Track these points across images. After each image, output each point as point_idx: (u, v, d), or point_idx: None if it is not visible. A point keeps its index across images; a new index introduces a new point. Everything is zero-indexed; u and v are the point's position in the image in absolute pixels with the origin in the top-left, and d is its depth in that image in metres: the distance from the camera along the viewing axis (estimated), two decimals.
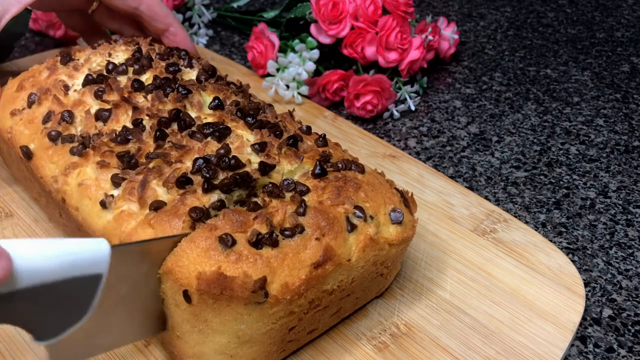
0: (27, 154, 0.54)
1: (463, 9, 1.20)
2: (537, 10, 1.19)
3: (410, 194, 0.51)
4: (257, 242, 0.42)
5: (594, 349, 0.52)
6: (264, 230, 0.43)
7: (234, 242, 0.41)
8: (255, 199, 0.46)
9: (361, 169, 0.51)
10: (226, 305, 0.41)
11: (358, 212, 0.46)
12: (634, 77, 0.95)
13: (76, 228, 0.52)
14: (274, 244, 0.42)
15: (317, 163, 0.49)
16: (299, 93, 0.82)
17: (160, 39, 0.72)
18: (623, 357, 0.51)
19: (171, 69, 0.58)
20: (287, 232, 0.43)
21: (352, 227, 0.45)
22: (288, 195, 0.46)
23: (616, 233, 0.64)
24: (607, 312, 0.55)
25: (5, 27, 0.62)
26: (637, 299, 0.57)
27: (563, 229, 0.61)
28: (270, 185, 0.47)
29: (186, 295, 0.41)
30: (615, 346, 0.52)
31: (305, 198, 0.46)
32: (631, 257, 0.61)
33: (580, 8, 1.20)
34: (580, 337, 0.53)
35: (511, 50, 1.04)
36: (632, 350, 0.52)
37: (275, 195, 0.46)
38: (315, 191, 0.47)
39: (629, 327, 0.54)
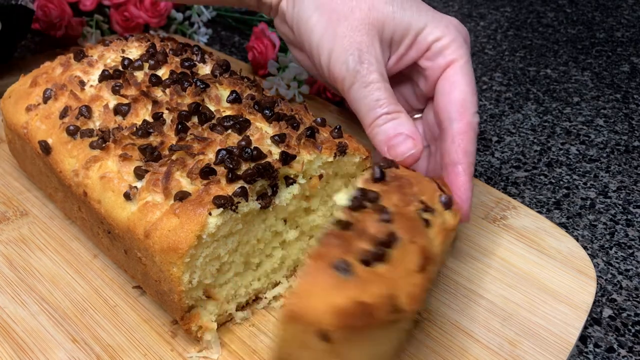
0: (46, 148, 0.54)
1: (463, 9, 1.22)
2: (537, 10, 1.21)
3: (440, 178, 0.51)
4: (368, 260, 0.39)
5: (594, 349, 0.52)
6: (365, 246, 0.40)
7: (349, 267, 0.38)
8: (341, 217, 0.43)
9: (396, 165, 0.50)
10: (365, 332, 0.39)
11: (424, 207, 0.45)
12: (634, 77, 0.97)
13: (97, 221, 0.52)
14: (383, 258, 0.40)
15: (377, 167, 0.47)
16: (299, 92, 0.83)
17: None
18: (623, 357, 0.52)
19: (186, 64, 0.59)
20: (386, 243, 0.41)
21: (427, 223, 0.44)
22: (369, 205, 0.44)
23: (616, 233, 0.65)
24: (607, 312, 0.56)
25: (9, 26, 0.61)
26: (637, 299, 0.57)
27: (563, 229, 0.62)
28: (353, 199, 0.44)
29: (323, 335, 0.37)
30: (615, 346, 0.53)
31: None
32: (631, 257, 0.62)
33: (580, 8, 1.22)
34: (581, 337, 0.53)
35: (511, 50, 1.06)
36: (632, 350, 0.52)
37: (357, 208, 0.43)
38: (384, 195, 0.45)
39: (629, 327, 0.54)
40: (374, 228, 0.41)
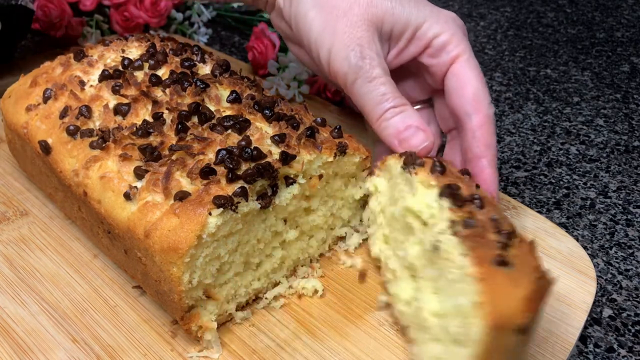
0: (46, 148, 0.54)
1: (463, 9, 1.22)
2: (537, 10, 1.21)
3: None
4: (506, 247, 0.41)
5: (594, 349, 0.52)
6: (493, 236, 0.41)
7: (506, 259, 0.40)
8: (453, 217, 0.43)
9: (418, 155, 0.51)
10: (540, 311, 0.40)
11: (476, 185, 0.47)
12: (634, 77, 0.97)
13: (97, 221, 0.52)
14: (511, 240, 0.41)
15: (436, 161, 0.47)
16: (299, 92, 0.83)
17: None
18: (623, 357, 0.52)
19: (186, 63, 0.59)
20: (499, 227, 0.42)
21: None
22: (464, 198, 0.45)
23: (616, 233, 0.65)
24: (607, 312, 0.56)
25: (9, 26, 0.61)
26: (637, 299, 0.57)
27: (563, 229, 0.62)
28: (454, 198, 0.44)
29: (521, 329, 0.39)
30: (615, 346, 0.53)
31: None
32: (631, 257, 0.62)
33: (580, 8, 1.22)
34: (581, 337, 0.53)
35: (511, 50, 1.06)
36: (632, 350, 0.52)
37: (461, 205, 0.44)
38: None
39: (629, 327, 0.55)
40: (481, 217, 0.42)
